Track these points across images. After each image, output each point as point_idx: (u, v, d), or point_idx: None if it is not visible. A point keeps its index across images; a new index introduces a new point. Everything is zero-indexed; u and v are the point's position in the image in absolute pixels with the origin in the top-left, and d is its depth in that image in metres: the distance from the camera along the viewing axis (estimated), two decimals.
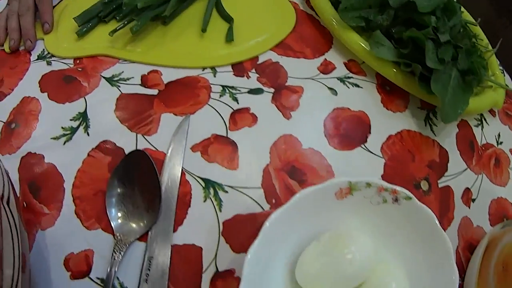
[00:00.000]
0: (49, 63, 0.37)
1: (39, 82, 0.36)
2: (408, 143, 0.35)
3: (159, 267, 0.27)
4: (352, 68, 0.37)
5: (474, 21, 0.46)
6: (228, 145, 0.31)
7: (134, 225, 0.29)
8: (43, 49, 0.38)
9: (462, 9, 0.46)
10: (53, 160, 0.32)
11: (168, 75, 0.35)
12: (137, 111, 0.33)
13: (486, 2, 0.57)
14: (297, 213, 0.27)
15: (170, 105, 0.33)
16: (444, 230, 0.34)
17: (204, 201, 0.29)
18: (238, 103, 0.33)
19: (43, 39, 0.39)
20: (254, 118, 0.32)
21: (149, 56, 0.35)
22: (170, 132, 0.32)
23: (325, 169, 0.31)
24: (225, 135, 0.32)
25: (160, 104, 0.33)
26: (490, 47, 0.46)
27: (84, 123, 0.33)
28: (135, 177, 0.29)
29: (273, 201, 0.30)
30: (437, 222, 0.28)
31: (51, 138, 0.33)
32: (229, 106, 0.33)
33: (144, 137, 0.32)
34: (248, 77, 0.34)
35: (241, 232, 0.29)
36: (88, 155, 0.32)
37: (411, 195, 0.29)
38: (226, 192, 0.30)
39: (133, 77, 0.35)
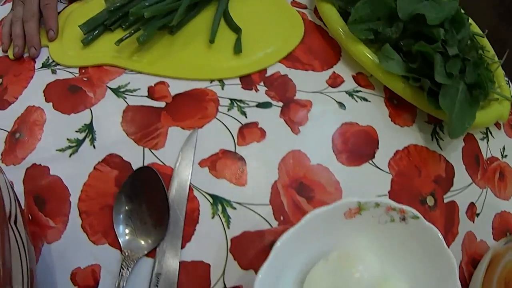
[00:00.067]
0: (54, 72, 0.37)
1: (43, 91, 0.36)
2: (415, 158, 0.35)
3: (167, 283, 0.27)
4: (360, 82, 0.37)
5: (481, 32, 0.46)
6: (237, 161, 0.31)
7: (142, 242, 0.29)
8: (48, 57, 0.38)
9: (470, 20, 0.46)
10: (58, 172, 0.32)
11: (176, 87, 0.34)
12: (144, 124, 0.32)
13: (492, 12, 0.57)
14: (307, 232, 0.27)
15: (178, 118, 0.33)
16: (449, 245, 0.34)
17: (212, 217, 0.29)
18: (246, 117, 0.33)
19: (48, 46, 0.38)
20: (263, 133, 0.32)
21: (156, 67, 0.35)
22: (177, 146, 0.31)
23: (333, 186, 0.31)
24: (233, 150, 0.31)
25: (167, 117, 0.33)
26: (496, 58, 0.46)
27: (90, 135, 0.33)
28: (143, 193, 0.29)
29: (281, 218, 0.30)
30: (443, 240, 0.29)
31: (57, 150, 0.33)
32: (238, 120, 0.32)
33: (151, 151, 0.31)
34: (257, 90, 0.34)
35: (249, 249, 0.29)
36: (94, 168, 0.31)
37: (418, 214, 0.29)
38: (234, 208, 0.30)
39: (139, 89, 0.34)
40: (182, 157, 0.31)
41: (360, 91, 0.36)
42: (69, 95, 0.35)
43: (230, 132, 0.32)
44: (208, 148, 0.31)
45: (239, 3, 0.41)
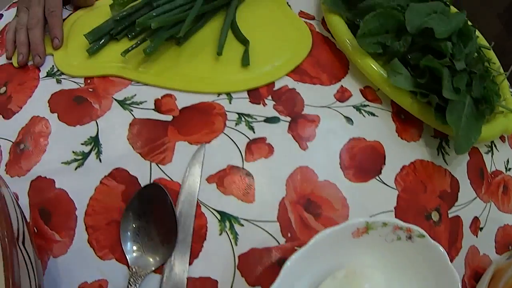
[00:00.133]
0: (59, 81, 0.36)
1: (48, 101, 0.35)
2: (421, 174, 0.35)
3: None
4: (368, 96, 0.37)
5: (488, 45, 0.45)
6: (244, 177, 0.31)
7: (149, 258, 0.29)
8: (53, 65, 0.37)
9: (477, 32, 0.45)
10: (64, 186, 0.32)
11: (183, 100, 0.34)
12: (151, 138, 0.32)
13: (496, 20, 0.57)
14: (315, 251, 0.27)
15: (185, 132, 0.32)
16: (452, 260, 0.35)
17: (220, 234, 0.29)
18: (254, 132, 0.32)
19: (52, 55, 0.38)
20: (271, 149, 0.32)
21: (162, 78, 0.35)
22: (185, 161, 0.31)
23: (340, 202, 0.31)
24: (241, 166, 0.31)
25: (174, 131, 0.33)
26: (501, 70, 0.46)
27: (96, 149, 0.32)
28: (151, 210, 0.29)
29: (289, 234, 0.30)
30: (448, 259, 0.29)
31: (62, 163, 0.32)
32: (245, 135, 0.32)
33: (158, 166, 0.31)
34: (265, 104, 0.34)
35: (256, 265, 0.29)
36: (101, 182, 0.31)
37: (424, 233, 0.30)
38: (242, 225, 0.30)
39: (146, 101, 0.34)
40: (190, 173, 0.31)
41: (368, 105, 0.36)
42: (74, 106, 0.35)
43: (238, 148, 0.32)
44: (215, 164, 0.31)
45: (247, 13, 0.40)
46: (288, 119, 0.34)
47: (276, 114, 0.34)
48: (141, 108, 0.34)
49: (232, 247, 0.29)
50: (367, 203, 0.32)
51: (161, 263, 0.28)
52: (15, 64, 0.38)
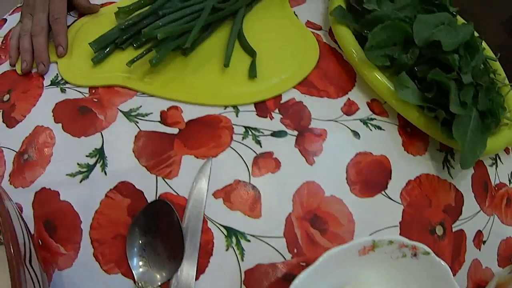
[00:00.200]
0: (63, 90, 0.36)
1: (52, 111, 0.35)
2: (426, 188, 0.35)
3: None
4: (375, 109, 0.36)
5: (494, 56, 0.45)
6: (251, 192, 0.31)
7: (156, 274, 0.28)
8: (57, 74, 0.37)
9: (484, 44, 0.45)
10: (69, 198, 0.31)
11: (189, 113, 0.34)
12: (157, 152, 0.32)
13: (501, 32, 0.56)
14: (322, 268, 0.27)
15: (191, 146, 0.32)
16: (455, 274, 0.35)
17: (226, 249, 0.29)
18: (261, 146, 0.32)
19: (57, 63, 0.37)
20: (278, 164, 0.32)
21: (168, 90, 0.34)
22: (191, 176, 0.31)
23: (346, 218, 0.31)
24: (248, 181, 0.31)
25: (180, 144, 0.32)
26: (507, 81, 0.46)
27: (101, 161, 0.32)
28: (157, 226, 0.29)
29: (295, 250, 0.30)
30: (451, 275, 0.30)
31: (67, 175, 0.32)
32: (252, 149, 0.32)
33: (164, 180, 0.31)
34: (272, 118, 0.34)
35: (262, 281, 0.29)
36: (106, 196, 0.31)
37: (429, 250, 0.30)
38: (249, 241, 0.30)
39: (152, 113, 0.34)
40: (196, 188, 0.30)
41: (375, 119, 0.36)
42: (79, 117, 0.34)
43: (245, 162, 0.32)
44: (222, 179, 0.31)
45: (254, 21, 0.40)
46: (295, 133, 0.33)
47: (283, 128, 0.33)
48: (147, 120, 0.33)
49: (239, 263, 0.29)
50: (373, 218, 0.32)
51: (167, 278, 0.28)
52: (19, 72, 0.38)
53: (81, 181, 0.32)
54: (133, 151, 0.32)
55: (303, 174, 0.32)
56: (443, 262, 0.30)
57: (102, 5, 0.42)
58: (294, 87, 0.35)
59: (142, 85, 0.35)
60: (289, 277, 0.29)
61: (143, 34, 0.34)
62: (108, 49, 0.36)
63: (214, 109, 0.34)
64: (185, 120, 0.33)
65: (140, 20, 0.37)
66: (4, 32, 0.43)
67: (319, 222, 0.31)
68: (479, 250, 0.37)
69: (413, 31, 0.37)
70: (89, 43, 0.36)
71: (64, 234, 0.31)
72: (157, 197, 0.30)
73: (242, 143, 0.32)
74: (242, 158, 0.32)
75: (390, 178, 0.34)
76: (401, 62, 0.37)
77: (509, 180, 0.42)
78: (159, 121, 0.33)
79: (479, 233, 0.37)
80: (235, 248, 0.29)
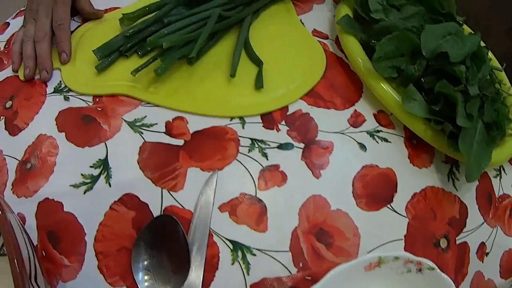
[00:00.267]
0: (66, 98, 0.35)
1: (56, 119, 0.35)
2: (431, 201, 0.35)
3: None
4: (381, 120, 0.36)
5: (499, 66, 0.45)
6: (257, 206, 0.31)
7: None
8: (60, 81, 0.36)
9: (490, 54, 0.45)
10: (72, 209, 0.31)
11: (194, 123, 0.33)
12: (162, 163, 0.32)
13: (506, 39, 0.56)
14: (328, 284, 0.27)
15: (197, 158, 0.32)
16: (458, 286, 0.35)
17: (232, 264, 0.29)
18: (267, 159, 0.32)
19: (60, 69, 0.37)
20: (284, 177, 0.32)
21: (173, 100, 0.34)
22: (197, 189, 0.31)
23: (352, 232, 0.31)
24: (254, 194, 0.31)
25: (186, 156, 0.32)
26: (511, 91, 0.46)
27: (106, 172, 0.32)
28: (162, 240, 0.29)
29: (300, 264, 0.30)
30: None
31: (70, 186, 0.32)
32: (258, 162, 0.32)
33: (169, 193, 0.31)
34: (278, 130, 0.33)
35: None
36: (111, 208, 0.31)
37: (434, 266, 0.30)
38: (254, 255, 0.29)
39: (157, 124, 0.33)
40: (202, 201, 0.30)
41: (381, 130, 0.36)
42: (82, 126, 0.34)
43: (251, 175, 0.31)
44: (228, 192, 0.31)
45: (260, 30, 0.39)
46: (302, 145, 0.33)
47: (289, 140, 0.33)
48: (152, 131, 0.33)
49: (244, 277, 0.29)
50: (378, 232, 0.32)
51: None
52: (22, 78, 0.37)
53: (85, 192, 0.31)
54: (138, 163, 0.32)
55: (310, 188, 0.32)
56: (447, 277, 0.30)
57: (106, 11, 0.41)
58: (300, 98, 0.35)
59: (147, 94, 0.34)
60: None
61: (148, 43, 0.33)
62: (112, 56, 0.36)
63: (220, 120, 0.33)
64: (191, 131, 0.33)
65: (145, 28, 0.36)
66: (6, 36, 0.42)
67: (325, 236, 0.31)
68: (482, 262, 0.37)
69: (420, 42, 0.37)
70: (93, 50, 0.35)
71: (68, 246, 0.30)
72: (162, 210, 0.30)
73: (249, 156, 0.32)
74: (248, 171, 0.31)
75: (396, 191, 0.34)
76: (408, 73, 0.36)
77: None
78: (164, 132, 0.33)
79: (482, 245, 0.37)
80: (240, 262, 0.29)
